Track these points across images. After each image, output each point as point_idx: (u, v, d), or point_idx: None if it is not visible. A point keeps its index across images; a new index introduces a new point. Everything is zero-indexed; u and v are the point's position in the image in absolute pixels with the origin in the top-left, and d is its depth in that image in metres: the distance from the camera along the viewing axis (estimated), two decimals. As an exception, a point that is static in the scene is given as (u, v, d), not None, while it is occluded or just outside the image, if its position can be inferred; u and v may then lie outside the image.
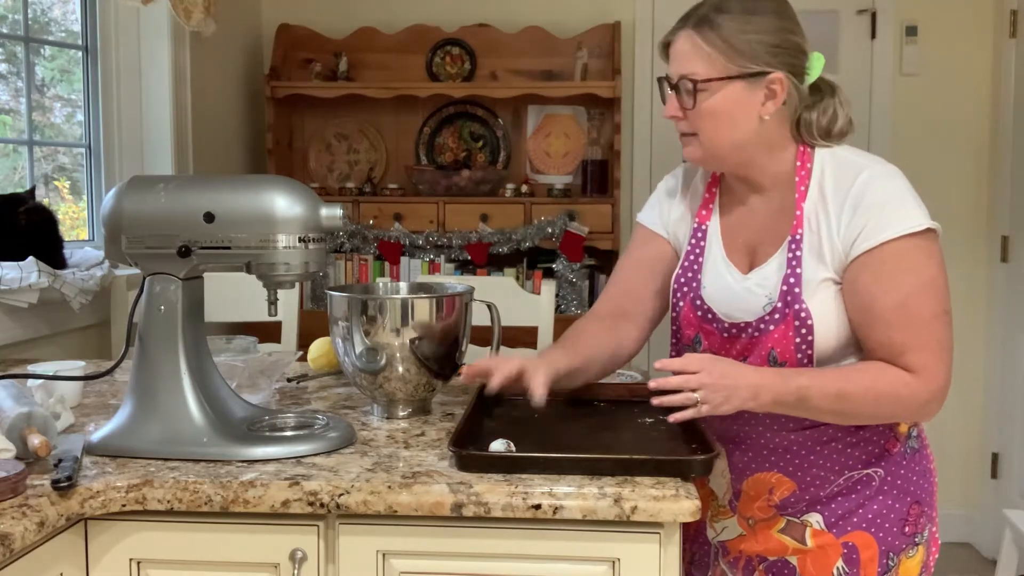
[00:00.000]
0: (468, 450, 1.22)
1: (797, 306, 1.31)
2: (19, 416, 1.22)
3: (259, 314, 1.98)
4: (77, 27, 2.72)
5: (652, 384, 1.27)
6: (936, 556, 1.46)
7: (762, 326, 1.35)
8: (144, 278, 1.32)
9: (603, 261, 3.32)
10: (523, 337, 2.29)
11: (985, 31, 3.48)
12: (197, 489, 1.16)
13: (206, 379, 1.33)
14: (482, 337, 1.70)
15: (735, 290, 1.39)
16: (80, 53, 2.72)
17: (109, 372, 1.39)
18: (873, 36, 3.52)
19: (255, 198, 1.28)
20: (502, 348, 1.65)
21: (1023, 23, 3.36)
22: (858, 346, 1.34)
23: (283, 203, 1.28)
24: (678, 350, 1.49)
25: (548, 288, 2.31)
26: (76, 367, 1.64)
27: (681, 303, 1.46)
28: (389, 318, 1.42)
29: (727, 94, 1.31)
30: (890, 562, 1.39)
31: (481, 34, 3.51)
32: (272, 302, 1.36)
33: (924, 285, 1.28)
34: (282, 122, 3.47)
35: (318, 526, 1.17)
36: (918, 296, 1.27)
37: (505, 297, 2.10)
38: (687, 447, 1.28)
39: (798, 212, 1.34)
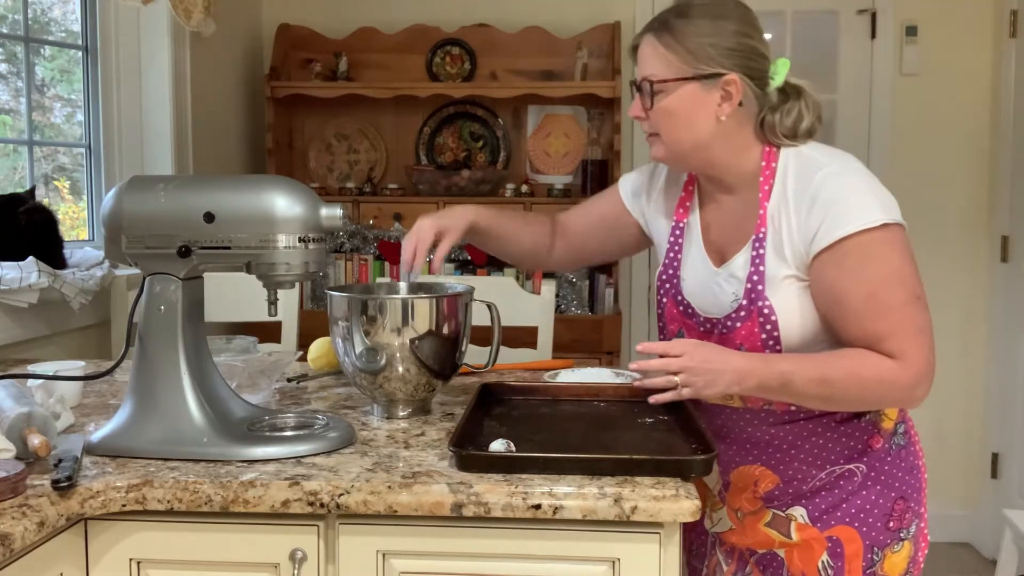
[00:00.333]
0: (468, 450, 1.22)
1: (761, 303, 1.35)
2: (19, 416, 1.22)
3: (259, 314, 1.98)
4: (77, 27, 2.72)
5: (633, 366, 1.33)
6: (926, 552, 1.47)
7: (729, 323, 1.39)
8: (144, 278, 1.32)
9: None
10: (523, 337, 2.29)
11: (985, 31, 3.48)
12: (197, 489, 1.16)
13: (206, 379, 1.33)
14: (482, 337, 1.70)
15: (709, 284, 1.43)
16: (80, 53, 2.72)
17: (109, 372, 1.39)
18: (873, 36, 3.52)
19: (255, 198, 1.28)
20: (502, 349, 1.66)
21: (1023, 23, 3.36)
22: (827, 341, 1.36)
23: (283, 203, 1.28)
24: None
25: (548, 288, 2.31)
26: (76, 367, 1.64)
27: (664, 299, 1.51)
28: (389, 318, 1.42)
29: (682, 94, 1.36)
30: (875, 557, 1.41)
31: (481, 34, 3.51)
32: (272, 302, 1.36)
33: (890, 274, 1.29)
34: (282, 122, 3.47)
35: (318, 526, 1.17)
36: (885, 285, 1.29)
37: (505, 297, 2.10)
38: (687, 447, 1.28)
39: (761, 211, 1.37)
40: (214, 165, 3.17)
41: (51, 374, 1.53)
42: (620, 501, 1.11)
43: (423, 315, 1.43)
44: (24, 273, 2.04)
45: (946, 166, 3.54)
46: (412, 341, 1.42)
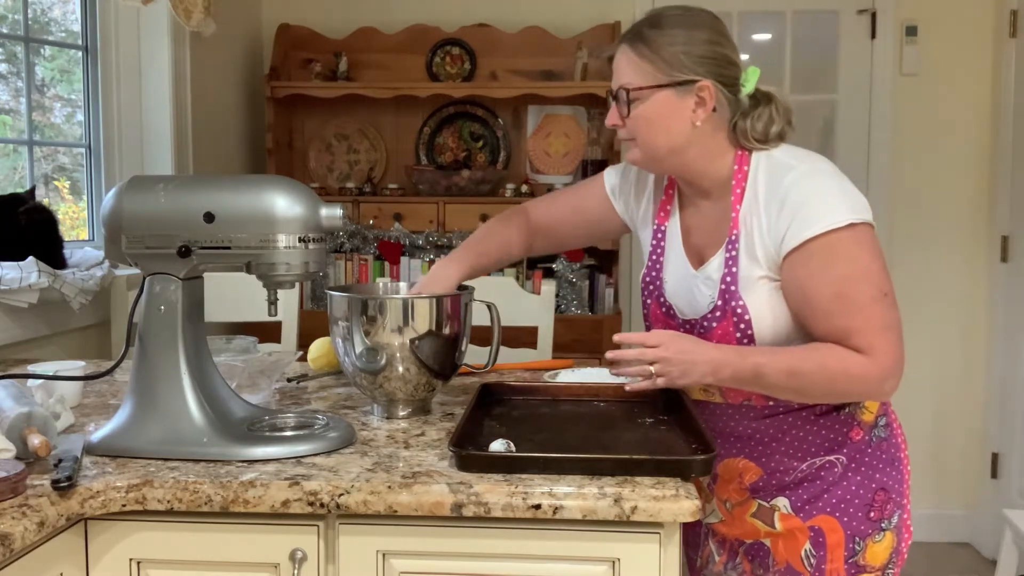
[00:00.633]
0: (468, 450, 1.22)
1: (734, 303, 1.39)
2: (19, 416, 1.22)
3: (259, 314, 1.98)
4: (77, 27, 2.72)
5: (610, 355, 1.36)
6: (909, 543, 1.50)
7: (706, 323, 1.43)
8: (144, 278, 1.32)
9: (603, 261, 3.32)
10: (523, 337, 2.29)
11: (985, 31, 3.48)
12: (197, 489, 1.16)
13: (206, 379, 1.33)
14: (482, 337, 1.70)
15: (688, 286, 1.48)
16: (80, 53, 2.72)
17: (109, 372, 1.39)
18: (873, 36, 3.52)
19: (255, 198, 1.28)
20: (502, 349, 1.66)
21: (1023, 23, 3.36)
22: (800, 338, 1.40)
23: (283, 203, 1.28)
24: None
25: (548, 288, 2.31)
26: (76, 367, 1.64)
27: (649, 300, 1.56)
28: (389, 318, 1.42)
29: (657, 101, 1.40)
30: (856, 546, 1.44)
31: (481, 34, 3.51)
32: (272, 302, 1.36)
33: (857, 273, 1.33)
34: (282, 122, 3.47)
35: (318, 526, 1.17)
36: (853, 283, 1.32)
37: (505, 297, 2.10)
38: (687, 447, 1.29)
39: (733, 214, 1.41)
40: (214, 165, 3.17)
41: (51, 374, 1.53)
42: (620, 501, 1.11)
43: (423, 315, 1.43)
44: (24, 273, 2.04)
45: (946, 166, 3.54)
46: (412, 341, 1.42)
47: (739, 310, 1.38)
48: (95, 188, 2.76)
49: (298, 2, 3.62)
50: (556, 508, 1.12)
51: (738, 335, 1.39)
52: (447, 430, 1.41)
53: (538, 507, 1.12)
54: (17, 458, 1.19)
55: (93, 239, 2.75)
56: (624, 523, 1.13)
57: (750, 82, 1.42)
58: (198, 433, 1.27)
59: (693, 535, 1.63)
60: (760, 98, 1.44)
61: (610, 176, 1.66)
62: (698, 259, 1.48)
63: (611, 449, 1.28)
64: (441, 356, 1.46)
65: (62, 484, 1.12)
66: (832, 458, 1.45)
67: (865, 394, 1.39)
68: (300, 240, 1.29)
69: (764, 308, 1.38)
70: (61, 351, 2.30)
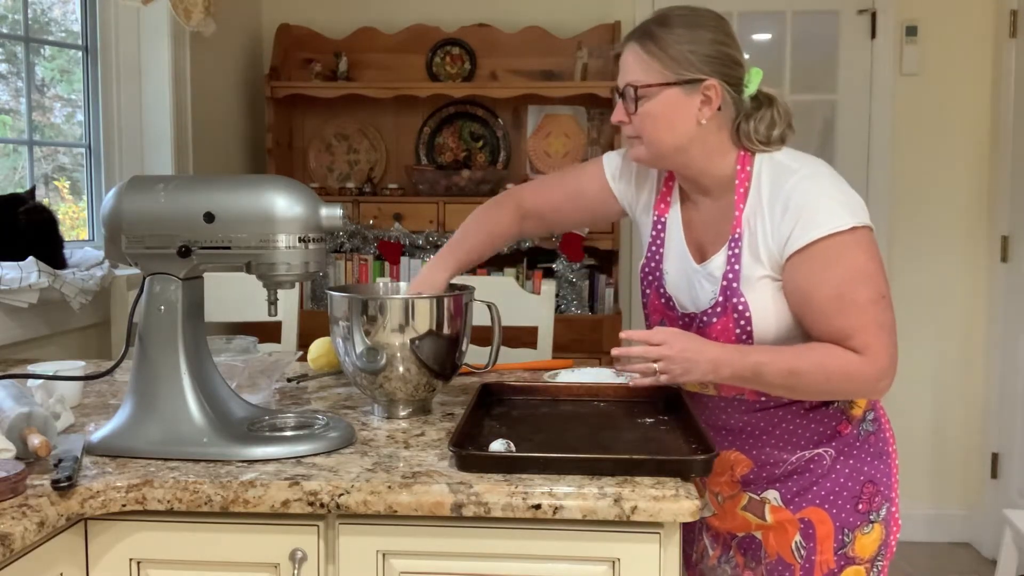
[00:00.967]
0: (468, 450, 1.22)
1: (735, 299, 1.41)
2: (19, 416, 1.22)
3: (259, 314, 1.98)
4: (77, 27, 2.72)
5: (615, 352, 1.39)
6: (897, 535, 1.53)
7: (706, 318, 1.45)
8: (144, 278, 1.32)
9: (603, 261, 3.32)
10: (523, 337, 2.29)
11: (985, 31, 3.48)
12: (197, 489, 1.16)
13: (206, 379, 1.33)
14: (482, 337, 1.70)
15: (691, 280, 1.49)
16: (80, 53, 2.72)
17: (109, 372, 1.39)
18: (873, 36, 3.52)
19: (255, 198, 1.28)
20: (502, 349, 1.66)
21: (1023, 23, 3.36)
22: (799, 336, 1.42)
23: (283, 203, 1.28)
24: None
25: (548, 288, 2.31)
26: (76, 367, 1.64)
27: (648, 291, 1.57)
28: (389, 318, 1.42)
29: (665, 99, 1.41)
30: (845, 538, 1.47)
31: (481, 34, 3.51)
32: (272, 302, 1.36)
33: (855, 275, 1.35)
34: (282, 122, 3.47)
35: (318, 526, 1.17)
36: (851, 285, 1.35)
37: (505, 297, 2.10)
38: (687, 447, 1.29)
39: (737, 213, 1.44)
40: (214, 165, 3.17)
41: (51, 374, 1.53)
42: (620, 501, 1.11)
43: (423, 315, 1.43)
44: (24, 273, 2.04)
45: (946, 166, 3.54)
46: (412, 341, 1.42)
47: (740, 307, 1.41)
48: (95, 188, 2.76)
49: (298, 2, 3.62)
50: (556, 508, 1.12)
51: (737, 331, 1.41)
52: (447, 430, 1.41)
53: (538, 507, 1.12)
54: (17, 458, 1.19)
55: (93, 239, 2.75)
56: (624, 523, 1.13)
57: (753, 83, 1.44)
58: (198, 433, 1.27)
59: (688, 530, 1.65)
60: (762, 100, 1.46)
61: (611, 161, 1.66)
62: (699, 253, 1.50)
63: (611, 449, 1.28)
64: (441, 356, 1.46)
65: (62, 484, 1.12)
66: (821, 451, 1.48)
67: (861, 392, 1.41)
68: (300, 240, 1.29)
69: (764, 306, 1.41)
70: (61, 351, 2.30)
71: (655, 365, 1.36)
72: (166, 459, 1.25)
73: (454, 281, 1.63)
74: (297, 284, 2.15)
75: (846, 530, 1.47)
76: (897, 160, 3.54)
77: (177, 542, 1.19)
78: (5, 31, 2.49)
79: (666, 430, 1.38)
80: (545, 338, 2.28)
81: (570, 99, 3.44)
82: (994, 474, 3.54)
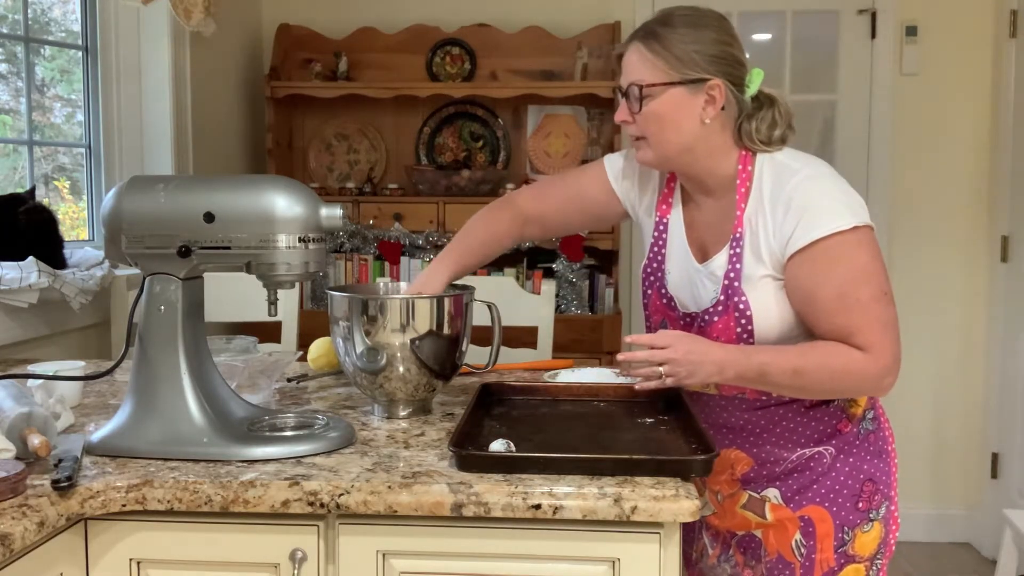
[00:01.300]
0: (468, 450, 1.22)
1: (737, 298, 1.42)
2: (19, 416, 1.22)
3: (259, 314, 1.98)
4: (77, 27, 2.72)
5: (620, 356, 1.39)
6: (897, 534, 1.54)
7: (707, 317, 1.46)
8: (144, 278, 1.32)
9: (603, 261, 3.32)
10: (523, 337, 2.29)
11: (985, 31, 3.48)
12: (197, 489, 1.16)
13: (206, 379, 1.33)
14: (482, 337, 1.70)
15: (692, 279, 1.50)
16: (80, 53, 2.72)
17: (109, 372, 1.39)
18: (873, 36, 3.52)
19: (255, 198, 1.28)
20: (502, 349, 1.66)
21: (1023, 23, 3.36)
22: (801, 335, 1.43)
23: (283, 203, 1.28)
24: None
25: (548, 288, 2.31)
26: (76, 367, 1.64)
27: (649, 291, 1.58)
28: (390, 318, 1.42)
29: (669, 98, 1.42)
30: (845, 536, 1.48)
31: (481, 34, 3.51)
32: (272, 302, 1.36)
33: (857, 273, 1.36)
34: (282, 122, 3.47)
35: (318, 526, 1.17)
36: (853, 283, 1.36)
37: (505, 297, 2.10)
38: (687, 447, 1.29)
39: (738, 212, 1.44)
40: (214, 165, 3.17)
41: (51, 374, 1.53)
42: (620, 501, 1.11)
43: (423, 315, 1.43)
44: (24, 273, 2.04)
45: (946, 166, 3.54)
46: (412, 341, 1.42)
47: (741, 306, 1.41)
48: (95, 188, 2.76)
49: (298, 2, 3.62)
50: (556, 508, 1.12)
51: (738, 330, 1.42)
52: (447, 430, 1.41)
53: (538, 507, 1.12)
54: (17, 458, 1.19)
55: (93, 239, 2.75)
56: (624, 523, 1.13)
57: (754, 83, 1.45)
58: (198, 433, 1.27)
59: (687, 529, 1.66)
60: (764, 100, 1.47)
61: (613, 163, 1.66)
62: (701, 253, 1.50)
63: (611, 449, 1.28)
64: (442, 356, 1.46)
65: (62, 484, 1.12)
66: (821, 449, 1.49)
67: (865, 390, 1.42)
68: (300, 240, 1.29)
69: (765, 305, 1.41)
70: (61, 351, 2.30)
71: (660, 369, 1.36)
72: (166, 459, 1.25)
73: (454, 281, 1.63)
74: (297, 284, 2.15)
75: (846, 528, 1.47)
76: (897, 160, 3.54)
77: (177, 542, 1.19)
78: (5, 31, 2.49)
79: (666, 430, 1.38)
80: (545, 338, 2.28)
81: (570, 99, 3.44)
82: (994, 474, 3.54)
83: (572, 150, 3.53)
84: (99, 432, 1.31)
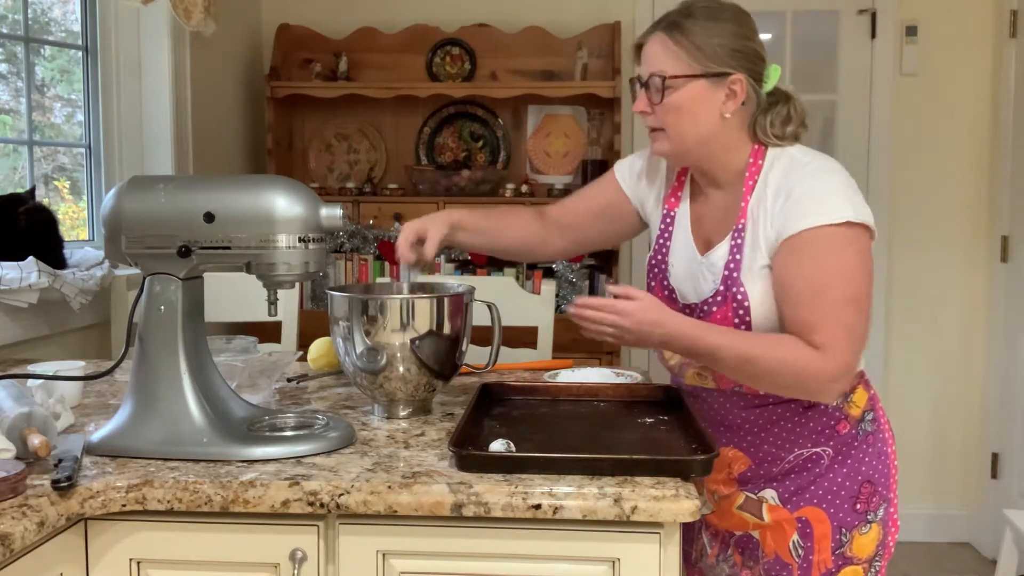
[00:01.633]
0: (468, 450, 1.22)
1: (735, 289, 1.42)
2: (19, 416, 1.22)
3: (259, 314, 1.98)
4: (77, 27, 2.72)
5: (573, 309, 1.38)
6: (896, 536, 1.53)
7: (706, 307, 1.46)
8: (144, 278, 1.32)
9: (603, 261, 3.32)
10: (523, 337, 2.29)
11: (985, 31, 3.48)
12: (197, 489, 1.16)
13: (206, 379, 1.33)
14: (482, 337, 1.70)
15: (694, 271, 1.50)
16: (80, 53, 2.72)
17: (109, 372, 1.39)
18: (873, 36, 3.51)
19: (255, 198, 1.28)
20: (502, 349, 1.66)
21: (1023, 23, 3.36)
22: None
23: (283, 203, 1.28)
24: None
25: (548, 288, 2.31)
26: (76, 367, 1.64)
27: (653, 283, 1.58)
28: (390, 318, 1.42)
29: (691, 90, 1.41)
30: (843, 538, 1.47)
31: (481, 34, 3.51)
32: (272, 302, 1.36)
33: (838, 271, 1.35)
34: (282, 122, 3.47)
35: (318, 526, 1.17)
36: (831, 280, 1.34)
37: (505, 297, 2.10)
38: (687, 447, 1.29)
39: (743, 204, 1.44)
40: (214, 165, 3.17)
41: (51, 374, 1.53)
42: (620, 501, 1.11)
43: (424, 315, 1.43)
44: (24, 273, 2.04)
45: (946, 166, 3.54)
46: (413, 341, 1.42)
47: (739, 296, 1.41)
48: (95, 188, 2.76)
49: (298, 2, 3.62)
50: (556, 508, 1.12)
51: (736, 320, 1.42)
52: (447, 430, 1.41)
53: (538, 507, 1.12)
54: (17, 458, 1.19)
55: (93, 239, 2.75)
56: (624, 523, 1.13)
57: (771, 79, 1.46)
58: (198, 433, 1.27)
59: (687, 528, 1.65)
60: (779, 96, 1.47)
61: (621, 165, 1.70)
62: (705, 246, 1.51)
63: (611, 449, 1.28)
64: (442, 356, 1.46)
65: (62, 484, 1.12)
66: (819, 450, 1.48)
67: (811, 391, 1.39)
68: (300, 240, 1.29)
69: (764, 296, 1.41)
70: (61, 351, 2.30)
71: (608, 330, 1.36)
72: (166, 459, 1.25)
73: (454, 282, 1.63)
74: (297, 284, 2.15)
75: (844, 530, 1.47)
76: (897, 160, 3.54)
77: (177, 542, 1.19)
78: (5, 31, 2.49)
79: (666, 430, 1.38)
80: (545, 338, 2.28)
81: (570, 99, 3.44)
82: (994, 474, 3.54)
83: (572, 150, 3.53)
84: (99, 432, 1.31)
